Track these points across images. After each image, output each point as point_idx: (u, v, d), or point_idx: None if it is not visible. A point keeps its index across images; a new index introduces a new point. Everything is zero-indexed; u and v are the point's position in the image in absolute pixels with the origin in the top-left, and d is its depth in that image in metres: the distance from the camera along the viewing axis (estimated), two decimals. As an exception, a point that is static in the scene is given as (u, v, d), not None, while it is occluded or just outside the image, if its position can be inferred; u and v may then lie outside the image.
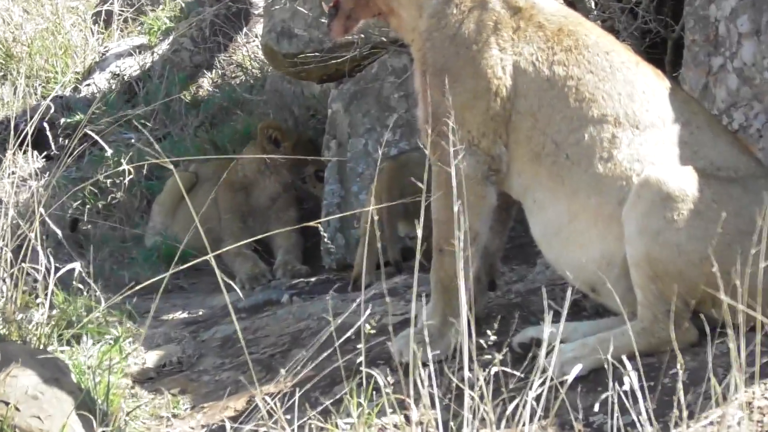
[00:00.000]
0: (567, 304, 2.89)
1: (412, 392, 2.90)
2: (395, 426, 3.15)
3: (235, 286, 3.50)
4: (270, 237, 6.10)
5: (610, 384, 2.88)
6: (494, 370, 2.91)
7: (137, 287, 3.85)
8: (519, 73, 3.71)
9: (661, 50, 5.07)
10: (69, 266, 4.31)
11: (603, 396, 2.93)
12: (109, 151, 5.28)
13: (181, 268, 3.80)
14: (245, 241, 5.36)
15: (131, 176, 4.47)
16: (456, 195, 3.09)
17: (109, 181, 6.34)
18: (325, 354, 3.45)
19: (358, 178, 5.85)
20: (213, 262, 3.30)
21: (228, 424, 3.27)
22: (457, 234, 2.98)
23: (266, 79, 7.88)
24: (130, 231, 6.54)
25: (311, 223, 3.61)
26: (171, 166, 3.75)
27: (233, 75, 8.45)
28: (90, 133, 4.66)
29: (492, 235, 3.94)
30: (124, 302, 4.65)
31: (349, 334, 3.42)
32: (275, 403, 3.04)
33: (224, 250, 5.33)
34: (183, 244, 3.87)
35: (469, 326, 3.03)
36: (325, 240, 5.57)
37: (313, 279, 5.77)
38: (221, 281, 3.24)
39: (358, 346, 3.15)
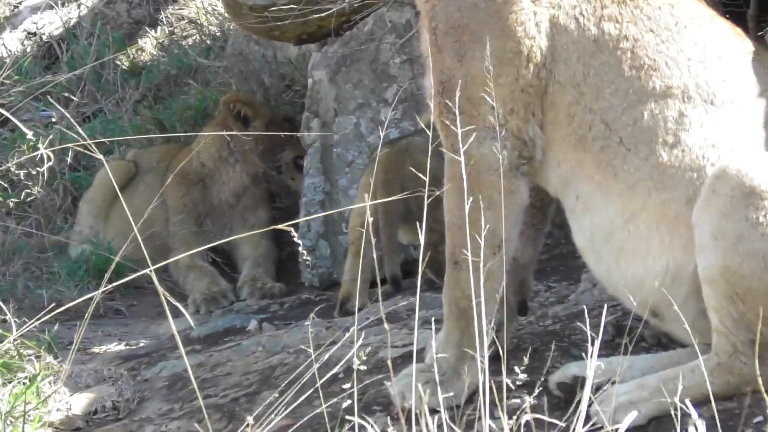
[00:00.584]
0: (603, 325, 2.89)
1: (418, 447, 2.91)
2: (395, 491, 3.16)
3: (185, 312, 3.49)
4: (233, 245, 6.12)
5: (677, 436, 2.89)
6: (525, 418, 2.92)
7: (59, 310, 3.85)
8: (558, 32, 3.71)
9: (741, 1, 5.08)
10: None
11: (667, 452, 2.94)
12: (29, 133, 5.28)
13: (116, 284, 3.80)
14: (200, 248, 5.37)
15: (51, 163, 4.47)
16: (473, 190, 3.09)
17: (22, 172, 6.36)
18: (304, 397, 3.45)
19: (347, 168, 5.86)
20: (155, 279, 3.30)
21: (178, 489, 3.28)
22: (471, 242, 2.99)
23: (227, 39, 7.88)
24: (50, 237, 6.54)
25: (284, 226, 3.58)
26: (100, 156, 3.75)
27: (184, 34, 8.46)
28: (-2, 108, 4.67)
29: (523, 243, 3.95)
30: (43, 330, 4.66)
31: (335, 370, 3.43)
32: (240, 461, 3.05)
33: (172, 260, 5.35)
34: (120, 255, 3.86)
35: (491, 361, 3.04)
36: (304, 257, 5.55)
37: (288, 300, 5.78)
38: (166, 303, 3.24)
39: (346, 386, 3.15)
